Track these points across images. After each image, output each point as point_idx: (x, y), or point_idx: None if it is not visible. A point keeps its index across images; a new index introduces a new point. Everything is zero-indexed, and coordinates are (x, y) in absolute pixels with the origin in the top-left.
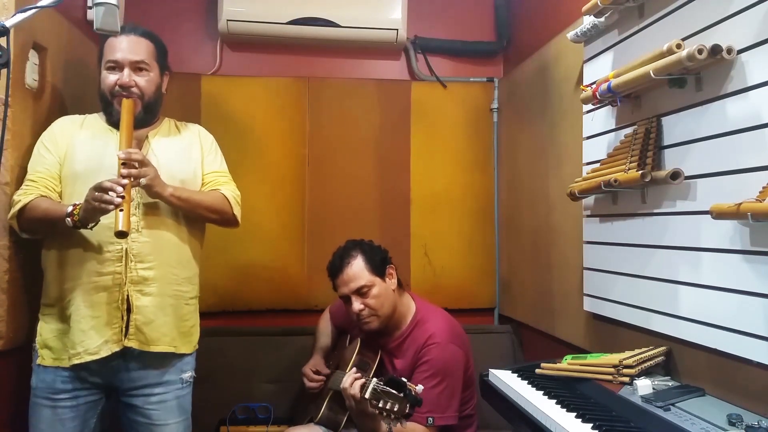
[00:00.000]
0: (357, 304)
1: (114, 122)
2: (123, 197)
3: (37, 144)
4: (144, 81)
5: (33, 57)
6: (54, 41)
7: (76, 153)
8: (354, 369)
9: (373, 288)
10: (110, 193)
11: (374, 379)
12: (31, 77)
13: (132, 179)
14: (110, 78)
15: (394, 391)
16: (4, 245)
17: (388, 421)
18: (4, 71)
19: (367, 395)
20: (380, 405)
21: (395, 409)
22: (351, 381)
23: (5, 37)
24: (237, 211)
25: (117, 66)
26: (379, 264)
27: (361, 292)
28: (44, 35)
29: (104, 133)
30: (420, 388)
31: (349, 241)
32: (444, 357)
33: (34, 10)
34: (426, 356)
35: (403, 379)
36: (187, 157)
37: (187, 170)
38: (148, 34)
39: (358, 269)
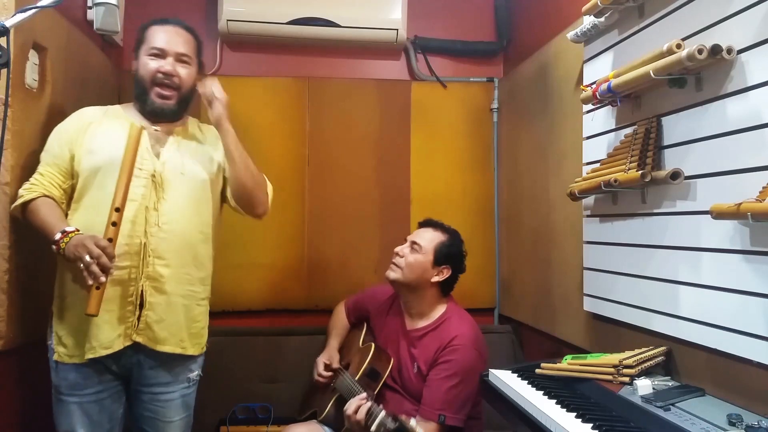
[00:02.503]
0: (405, 248)
1: (148, 111)
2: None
3: (53, 132)
4: (185, 73)
5: (33, 57)
6: (54, 41)
7: (96, 144)
8: (362, 395)
9: (419, 254)
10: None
11: (382, 413)
12: (31, 77)
13: (109, 270)
14: (152, 64)
15: None
16: (4, 245)
17: None
18: (4, 71)
19: (373, 428)
20: None
21: None
22: (355, 407)
23: (5, 37)
24: (270, 194)
25: (161, 54)
26: (442, 255)
27: (413, 247)
28: (44, 35)
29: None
30: None
31: (444, 224)
32: (466, 359)
33: (34, 10)
34: (449, 356)
35: (412, 424)
36: (208, 158)
37: (208, 171)
38: (191, 29)
39: (426, 238)
